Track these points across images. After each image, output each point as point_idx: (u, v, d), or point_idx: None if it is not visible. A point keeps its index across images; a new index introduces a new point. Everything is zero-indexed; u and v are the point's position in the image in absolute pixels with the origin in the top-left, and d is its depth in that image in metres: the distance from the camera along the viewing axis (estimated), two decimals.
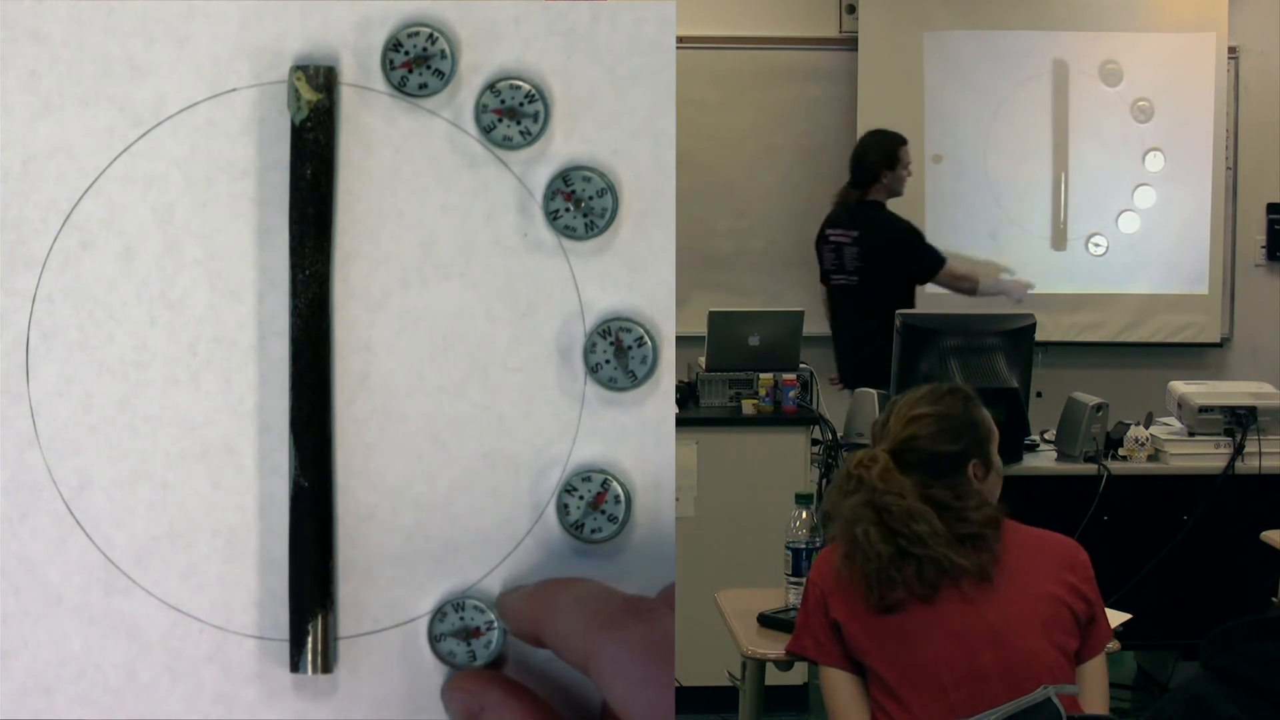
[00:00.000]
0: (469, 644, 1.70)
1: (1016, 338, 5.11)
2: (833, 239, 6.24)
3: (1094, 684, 2.86)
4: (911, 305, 6.15)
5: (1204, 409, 5.12)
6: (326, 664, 1.69)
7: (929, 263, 6.23)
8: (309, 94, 1.69)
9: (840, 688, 2.89)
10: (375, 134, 1.72)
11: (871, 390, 5.15)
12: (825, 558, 2.99)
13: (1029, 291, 6.44)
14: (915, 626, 2.79)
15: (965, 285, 6.34)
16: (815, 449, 5.30)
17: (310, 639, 1.69)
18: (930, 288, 6.55)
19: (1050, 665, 2.73)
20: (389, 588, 1.71)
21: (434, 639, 1.71)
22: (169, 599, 1.72)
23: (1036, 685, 2.49)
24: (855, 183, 6.22)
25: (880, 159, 6.19)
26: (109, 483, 1.72)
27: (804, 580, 3.41)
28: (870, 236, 6.15)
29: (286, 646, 1.70)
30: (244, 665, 1.72)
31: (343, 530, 1.71)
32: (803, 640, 2.98)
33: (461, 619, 1.71)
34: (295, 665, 1.69)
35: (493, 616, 1.70)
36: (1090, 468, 4.99)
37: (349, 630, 1.71)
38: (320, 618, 1.69)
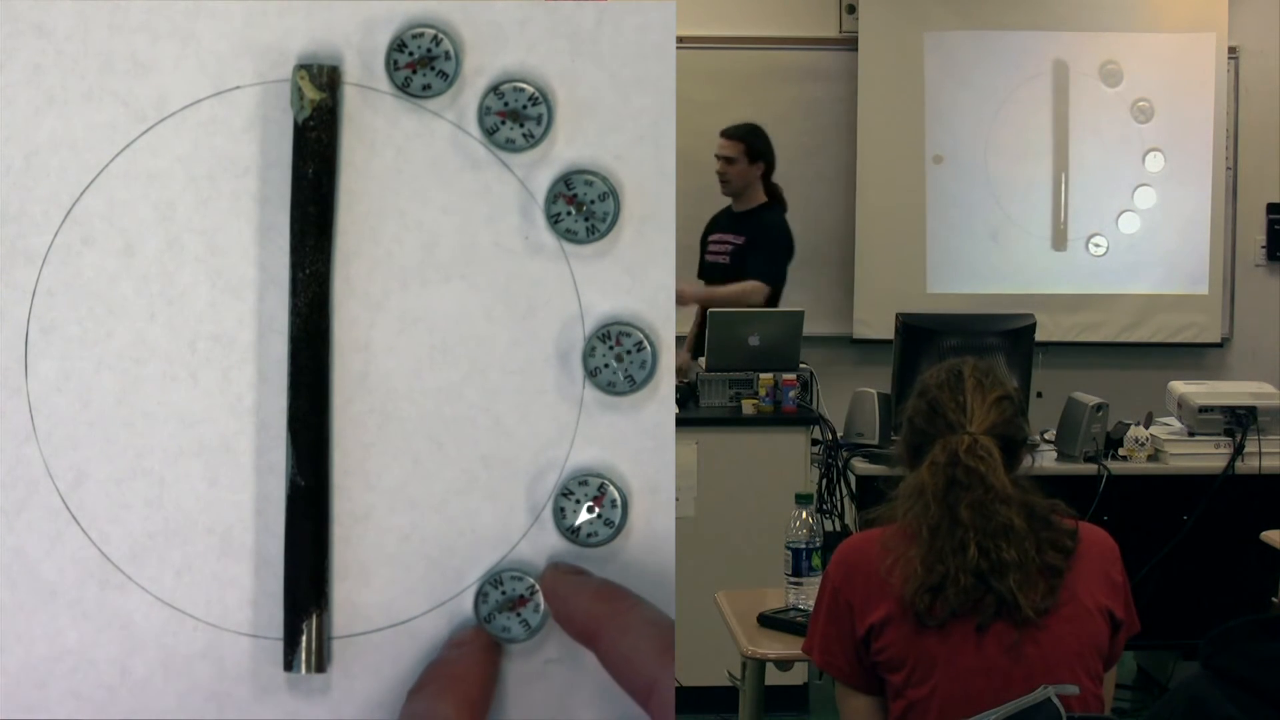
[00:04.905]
0: (519, 614, 1.70)
1: (1016, 338, 5.11)
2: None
3: (1104, 686, 2.77)
4: None
5: (1204, 409, 5.12)
6: (320, 663, 1.69)
7: None
8: (312, 93, 1.69)
9: (860, 711, 2.72)
10: (378, 134, 1.71)
11: (871, 390, 5.15)
12: (858, 550, 2.76)
13: None
14: (948, 649, 2.60)
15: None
16: (815, 449, 5.30)
17: (304, 638, 1.69)
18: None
19: (1083, 700, 2.59)
20: (384, 588, 1.71)
21: (484, 620, 1.70)
22: (163, 595, 1.71)
23: None
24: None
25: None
26: (105, 478, 1.71)
27: (803, 581, 3.41)
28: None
29: (280, 645, 1.70)
30: (237, 663, 1.72)
31: (339, 530, 1.71)
32: (814, 649, 2.78)
33: (503, 593, 1.71)
34: (289, 664, 1.69)
35: (532, 581, 1.70)
36: (1090, 468, 4.99)
37: (343, 630, 1.71)
38: (315, 617, 1.69)
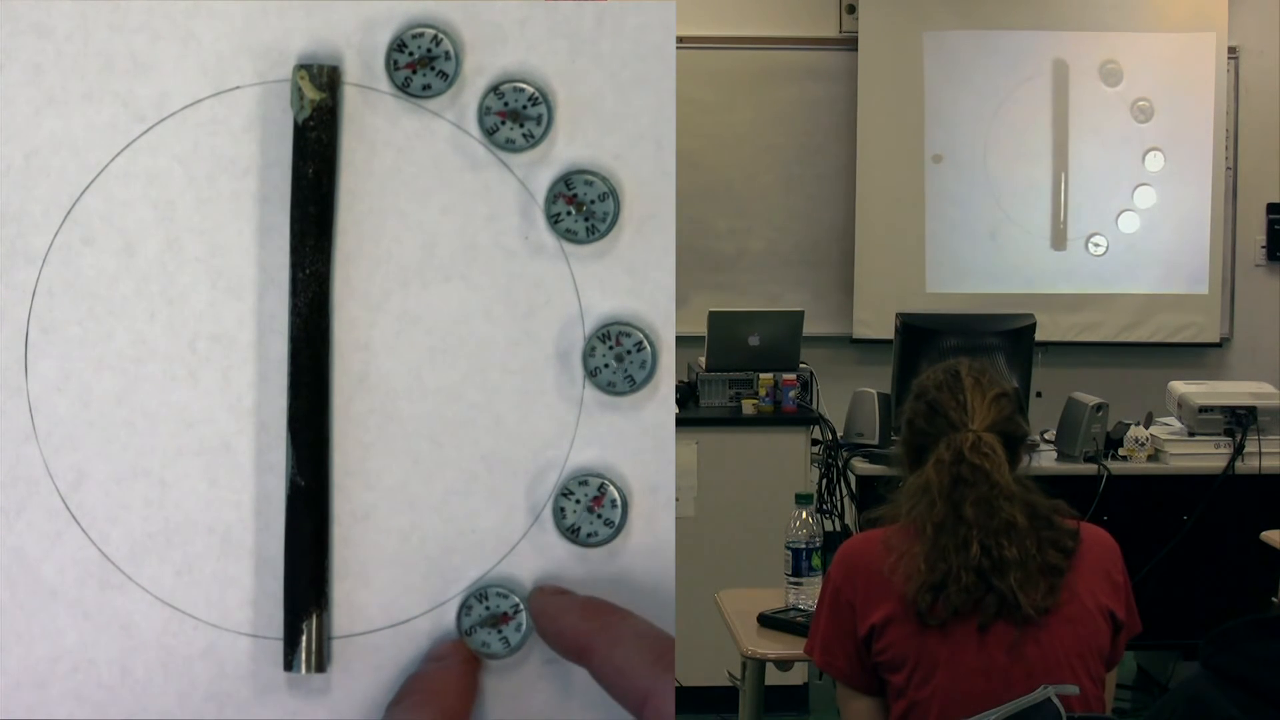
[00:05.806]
0: (500, 631, 1.70)
1: (1016, 338, 5.12)
2: None
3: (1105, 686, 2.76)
4: None
5: (1204, 409, 5.13)
6: (320, 663, 1.69)
7: None
8: (312, 93, 1.69)
9: (861, 713, 2.73)
10: (378, 134, 1.71)
11: (871, 390, 5.15)
12: (860, 550, 2.76)
13: None
14: (949, 649, 2.61)
15: None
16: (815, 449, 5.30)
17: (304, 638, 1.68)
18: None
19: (1084, 700, 2.59)
20: (384, 588, 1.71)
21: (465, 633, 1.70)
22: (163, 595, 1.71)
23: None
24: None
25: None
26: (105, 478, 1.71)
27: (803, 581, 3.41)
28: None
29: (280, 645, 1.70)
30: (237, 663, 1.71)
31: (339, 530, 1.71)
32: (815, 650, 2.79)
33: (487, 608, 1.70)
34: (289, 664, 1.69)
35: (517, 600, 1.70)
36: (1090, 468, 5.00)
37: (343, 630, 1.71)
38: (315, 617, 1.69)
